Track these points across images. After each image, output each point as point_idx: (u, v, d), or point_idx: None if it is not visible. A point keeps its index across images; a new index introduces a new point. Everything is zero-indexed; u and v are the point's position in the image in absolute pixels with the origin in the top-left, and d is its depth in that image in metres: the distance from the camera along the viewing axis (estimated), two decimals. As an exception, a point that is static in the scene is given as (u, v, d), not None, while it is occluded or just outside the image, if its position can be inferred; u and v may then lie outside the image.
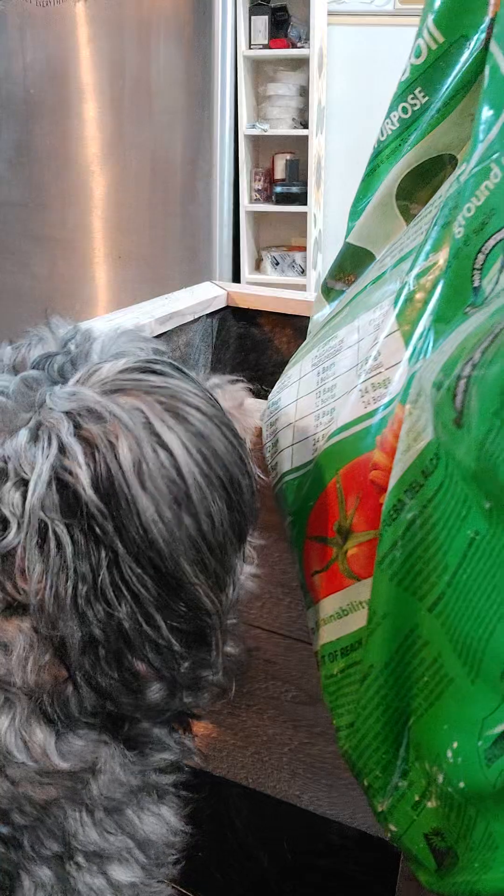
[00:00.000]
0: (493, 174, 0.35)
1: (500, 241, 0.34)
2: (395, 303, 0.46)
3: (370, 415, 0.44)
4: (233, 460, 0.34)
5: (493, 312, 0.31)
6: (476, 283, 0.36)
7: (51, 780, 0.34)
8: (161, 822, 0.41)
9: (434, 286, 0.42)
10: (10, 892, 0.35)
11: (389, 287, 0.49)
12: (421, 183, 0.51)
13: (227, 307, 1.02)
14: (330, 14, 2.24)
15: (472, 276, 0.36)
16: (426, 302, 0.43)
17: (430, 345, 0.38)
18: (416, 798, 0.41)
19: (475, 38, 0.49)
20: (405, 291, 0.45)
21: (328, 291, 0.61)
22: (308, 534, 0.49)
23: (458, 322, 0.36)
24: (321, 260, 2.51)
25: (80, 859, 0.37)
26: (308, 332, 0.65)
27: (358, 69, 2.28)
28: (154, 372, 0.34)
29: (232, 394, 0.48)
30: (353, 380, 0.47)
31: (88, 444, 0.31)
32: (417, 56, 0.52)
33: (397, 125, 0.55)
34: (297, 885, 0.66)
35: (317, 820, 0.71)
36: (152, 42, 1.97)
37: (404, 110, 0.54)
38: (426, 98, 0.53)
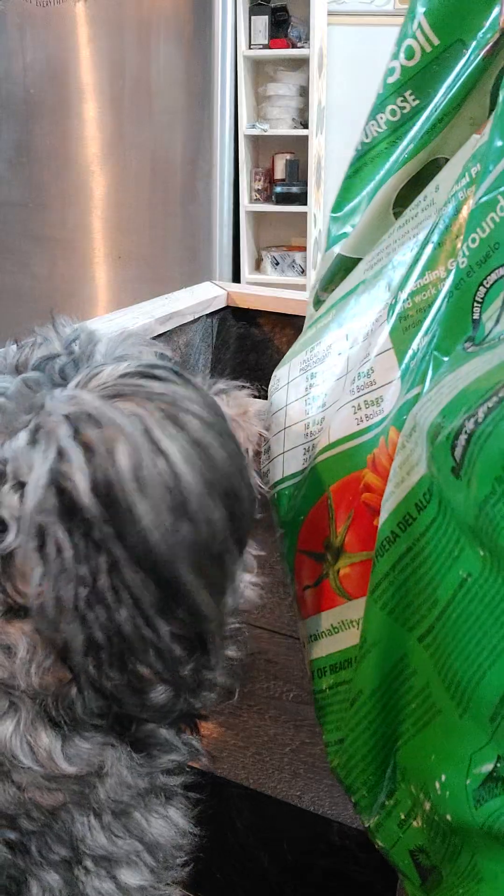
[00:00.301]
0: (499, 207, 0.35)
1: (502, 276, 0.34)
2: (388, 317, 0.45)
3: (363, 432, 0.44)
4: (232, 470, 0.33)
5: (499, 365, 0.31)
6: (476, 316, 0.36)
7: (58, 785, 0.34)
8: (169, 824, 0.41)
9: (429, 306, 0.42)
10: None
11: (378, 294, 0.49)
12: (416, 189, 0.51)
13: (227, 307, 1.02)
14: (330, 14, 2.24)
15: (473, 308, 0.36)
16: (420, 322, 0.43)
17: (429, 373, 0.38)
18: (402, 816, 0.41)
19: (473, 43, 0.48)
20: (398, 308, 0.45)
21: (319, 303, 0.61)
22: (299, 547, 0.49)
23: (459, 359, 0.36)
24: (321, 260, 2.51)
25: (89, 864, 0.37)
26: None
27: (358, 69, 2.28)
28: (155, 377, 0.34)
29: (238, 400, 0.48)
30: (344, 390, 0.47)
31: (87, 449, 0.31)
32: (409, 58, 0.51)
33: (385, 128, 0.54)
34: (297, 886, 0.66)
35: (317, 820, 0.71)
36: (152, 42, 1.97)
37: (393, 112, 0.53)
38: (416, 101, 0.52)
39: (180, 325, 0.90)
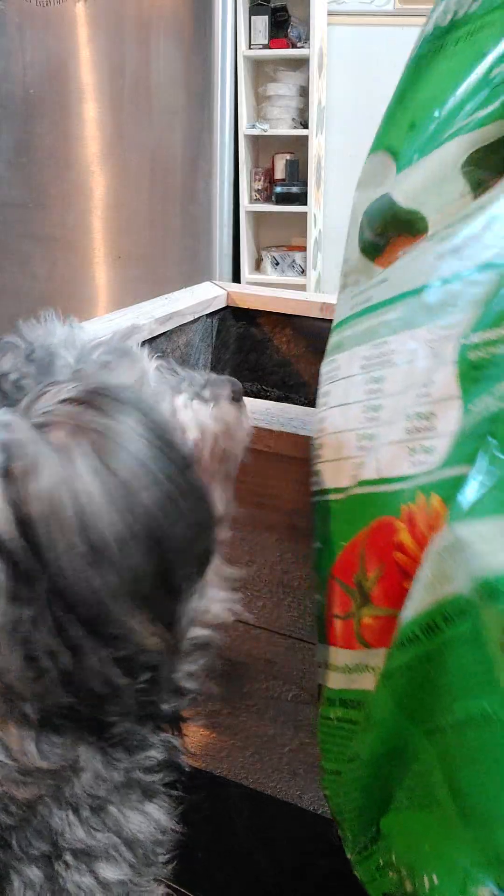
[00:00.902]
0: None
1: None
2: (458, 357, 0.40)
3: (410, 478, 0.41)
4: (161, 514, 0.31)
5: None
6: None
7: (32, 779, 0.34)
8: (148, 820, 0.41)
9: (499, 361, 0.38)
10: (0, 892, 0.35)
11: (451, 311, 0.43)
12: (496, 152, 0.45)
13: (227, 307, 1.02)
14: (330, 14, 2.24)
15: None
16: (491, 379, 0.38)
17: (480, 462, 0.35)
18: (380, 863, 0.40)
19: None
20: (471, 354, 0.40)
21: (370, 249, 0.53)
22: (334, 573, 0.47)
23: None
24: (321, 260, 2.51)
25: (69, 858, 0.37)
26: (343, 276, 0.56)
27: (358, 69, 2.27)
28: (95, 406, 0.32)
29: (223, 414, 0.46)
30: (401, 409, 0.43)
31: (11, 481, 0.30)
32: None
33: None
34: (297, 885, 0.66)
35: (317, 820, 0.71)
36: (152, 42, 1.97)
37: None
38: None
39: (180, 325, 0.90)
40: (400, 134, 0.52)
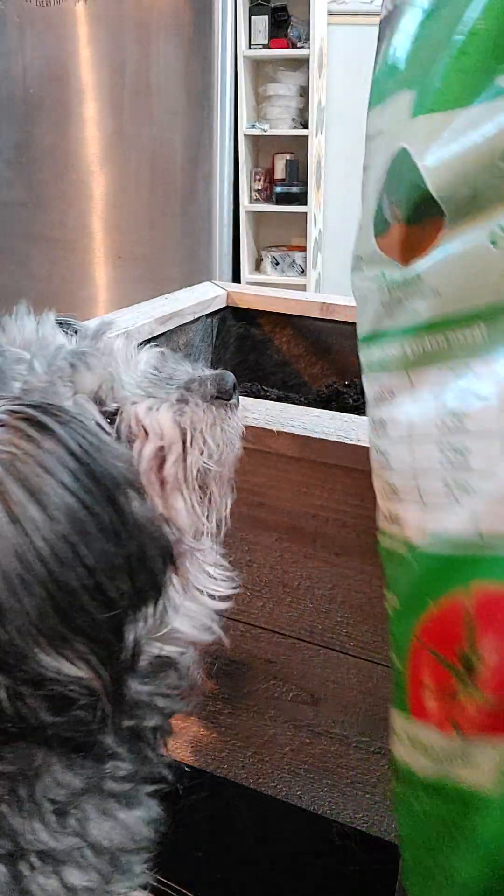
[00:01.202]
0: None
1: None
2: None
3: None
4: (58, 558, 0.30)
5: None
6: None
7: None
8: (120, 827, 0.40)
9: None
10: None
11: None
12: None
13: (226, 307, 1.02)
14: (330, 14, 2.24)
15: None
16: None
17: None
18: None
19: None
20: None
21: (384, 226, 0.44)
22: (421, 637, 0.41)
23: None
24: (321, 260, 2.51)
25: (34, 859, 0.36)
26: (356, 249, 0.48)
27: (358, 69, 2.27)
28: (16, 429, 0.31)
29: (191, 419, 0.42)
30: (496, 454, 0.38)
31: None
32: None
33: None
34: (297, 885, 0.66)
35: (317, 820, 0.71)
36: (152, 42, 1.97)
37: None
38: None
39: (180, 325, 0.90)
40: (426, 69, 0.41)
